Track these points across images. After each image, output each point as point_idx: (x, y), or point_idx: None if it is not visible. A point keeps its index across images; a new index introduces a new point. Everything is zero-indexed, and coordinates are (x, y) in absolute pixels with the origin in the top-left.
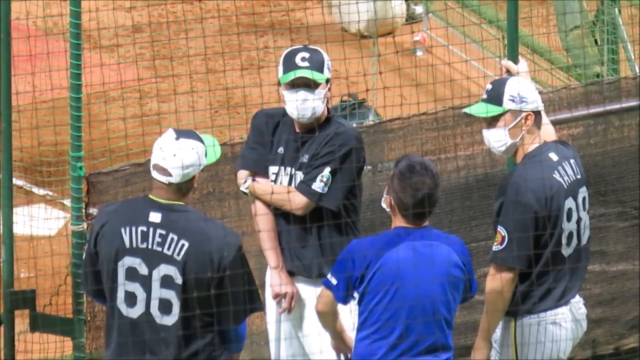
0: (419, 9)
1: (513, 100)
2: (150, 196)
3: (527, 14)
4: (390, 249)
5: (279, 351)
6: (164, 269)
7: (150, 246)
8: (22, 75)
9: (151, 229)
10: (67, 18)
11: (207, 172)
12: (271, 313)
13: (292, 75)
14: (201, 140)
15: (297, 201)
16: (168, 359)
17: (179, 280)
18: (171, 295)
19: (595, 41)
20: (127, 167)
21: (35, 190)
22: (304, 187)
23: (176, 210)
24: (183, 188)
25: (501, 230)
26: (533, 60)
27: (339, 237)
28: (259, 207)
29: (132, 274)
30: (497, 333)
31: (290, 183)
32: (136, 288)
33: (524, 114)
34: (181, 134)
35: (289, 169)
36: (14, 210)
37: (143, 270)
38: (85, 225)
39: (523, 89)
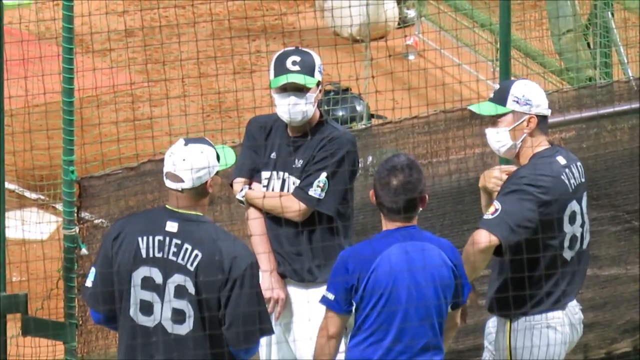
0: (411, 13)
1: (517, 102)
2: (167, 206)
3: (520, 17)
4: (381, 252)
5: (270, 355)
6: (177, 279)
7: (166, 255)
8: (14, 79)
9: (167, 239)
10: (59, 22)
11: None
12: None
13: (283, 80)
14: (211, 145)
15: (295, 207)
16: None
17: (191, 290)
18: (184, 305)
19: (588, 44)
20: (119, 171)
21: (27, 194)
22: (301, 193)
23: (193, 220)
24: (197, 194)
25: (495, 203)
26: (525, 64)
27: (330, 241)
28: (252, 211)
29: (147, 283)
30: (493, 334)
31: (282, 187)
32: (152, 297)
33: (527, 117)
34: (190, 140)
35: (281, 173)
36: (6, 214)
37: (158, 279)
38: (77, 229)
39: (529, 91)
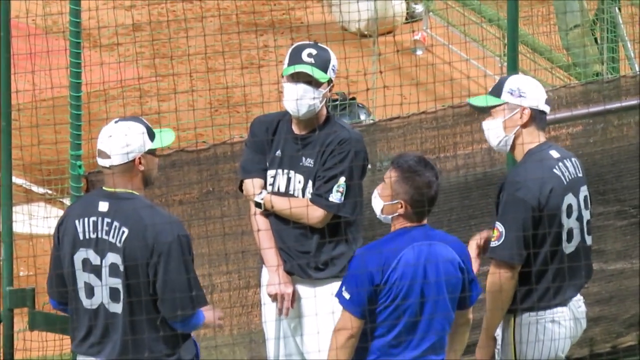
0: (419, 8)
1: (511, 94)
2: (104, 187)
3: (528, 12)
4: (399, 252)
5: (277, 350)
6: (111, 258)
7: (100, 236)
8: (21, 73)
9: (99, 219)
10: (66, 16)
11: (207, 172)
12: (268, 312)
13: (294, 68)
14: (144, 124)
15: (317, 214)
16: (117, 346)
17: (122, 267)
18: (117, 282)
19: (595, 40)
20: None
21: (34, 188)
22: (321, 201)
23: (123, 198)
24: (127, 172)
25: (498, 226)
26: (533, 59)
27: (339, 237)
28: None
29: (86, 265)
30: (498, 331)
31: (287, 185)
32: (92, 279)
33: (519, 109)
34: (122, 119)
35: (286, 171)
36: (14, 208)
37: (96, 260)
38: None
39: (525, 84)
